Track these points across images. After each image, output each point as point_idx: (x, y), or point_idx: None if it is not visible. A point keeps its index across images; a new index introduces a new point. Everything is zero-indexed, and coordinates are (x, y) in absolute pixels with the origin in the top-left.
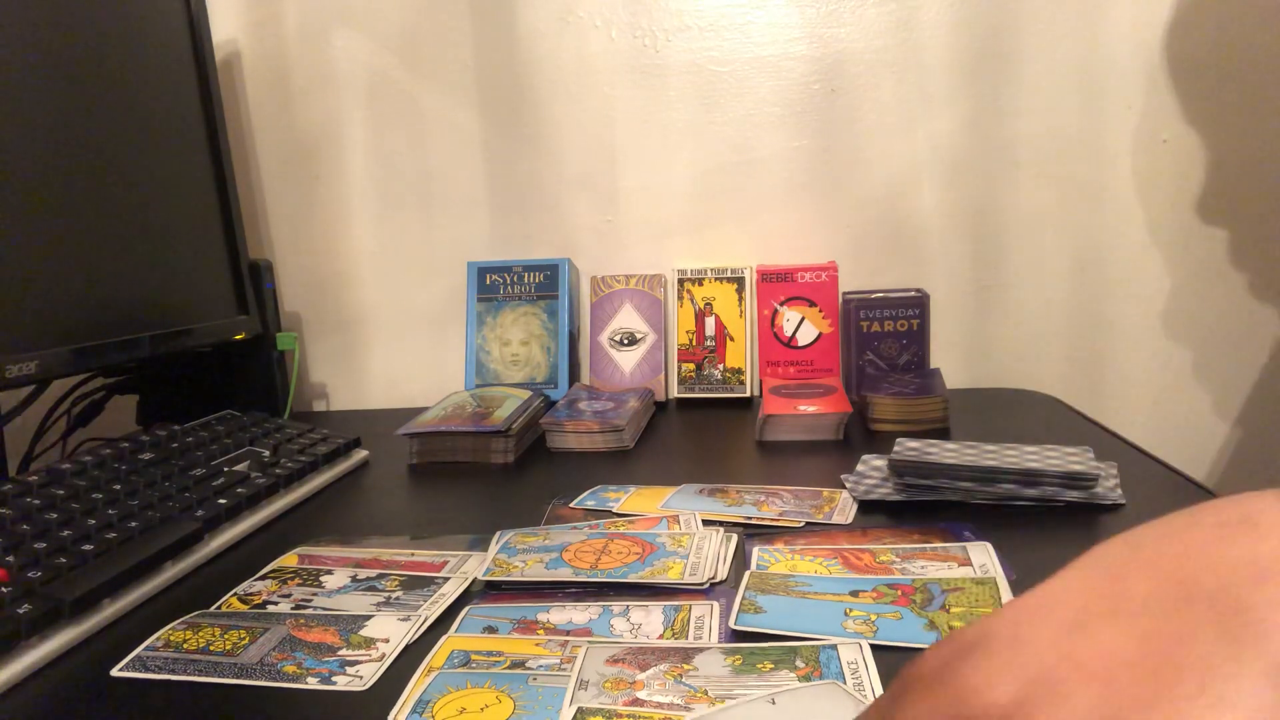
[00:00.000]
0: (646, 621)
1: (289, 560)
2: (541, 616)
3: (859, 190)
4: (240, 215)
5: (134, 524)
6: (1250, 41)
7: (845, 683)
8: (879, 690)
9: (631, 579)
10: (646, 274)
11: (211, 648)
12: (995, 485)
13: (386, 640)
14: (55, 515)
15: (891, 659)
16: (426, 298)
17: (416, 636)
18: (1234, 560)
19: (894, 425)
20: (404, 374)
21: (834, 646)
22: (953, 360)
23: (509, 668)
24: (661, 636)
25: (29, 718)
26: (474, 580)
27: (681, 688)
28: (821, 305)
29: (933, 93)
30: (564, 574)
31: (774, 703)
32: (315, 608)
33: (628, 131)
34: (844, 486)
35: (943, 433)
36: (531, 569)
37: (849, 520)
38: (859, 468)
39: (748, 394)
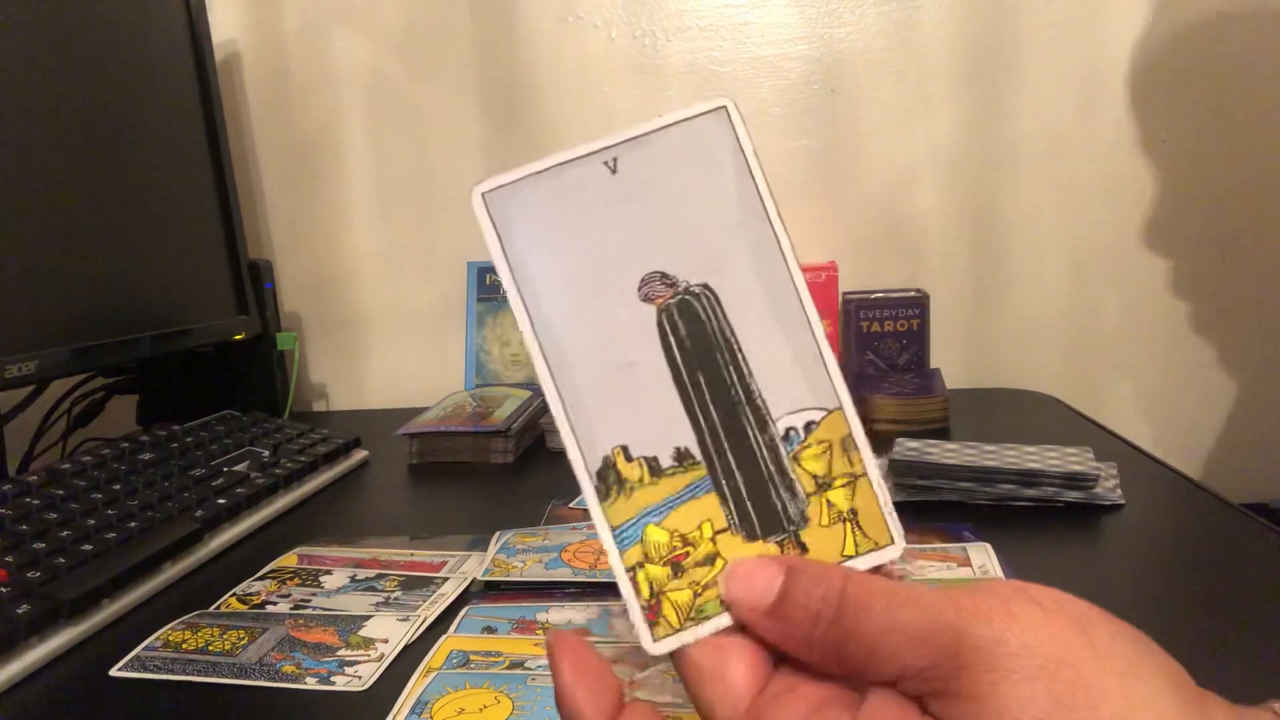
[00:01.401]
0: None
1: (288, 560)
2: (541, 616)
3: (859, 190)
4: (240, 215)
5: (133, 524)
6: (1250, 41)
7: None
8: None
9: None
10: None
11: (210, 648)
12: (995, 485)
13: (385, 640)
14: (54, 515)
15: None
16: (426, 298)
17: (415, 637)
18: None
19: (894, 425)
20: (404, 374)
21: None
22: (953, 360)
23: (508, 668)
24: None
25: (28, 718)
26: (473, 580)
27: (680, 687)
28: (821, 305)
29: (933, 93)
30: (563, 574)
31: (615, 170)
32: (314, 608)
33: None
34: None
35: (943, 433)
36: (531, 569)
37: None
38: None
39: None
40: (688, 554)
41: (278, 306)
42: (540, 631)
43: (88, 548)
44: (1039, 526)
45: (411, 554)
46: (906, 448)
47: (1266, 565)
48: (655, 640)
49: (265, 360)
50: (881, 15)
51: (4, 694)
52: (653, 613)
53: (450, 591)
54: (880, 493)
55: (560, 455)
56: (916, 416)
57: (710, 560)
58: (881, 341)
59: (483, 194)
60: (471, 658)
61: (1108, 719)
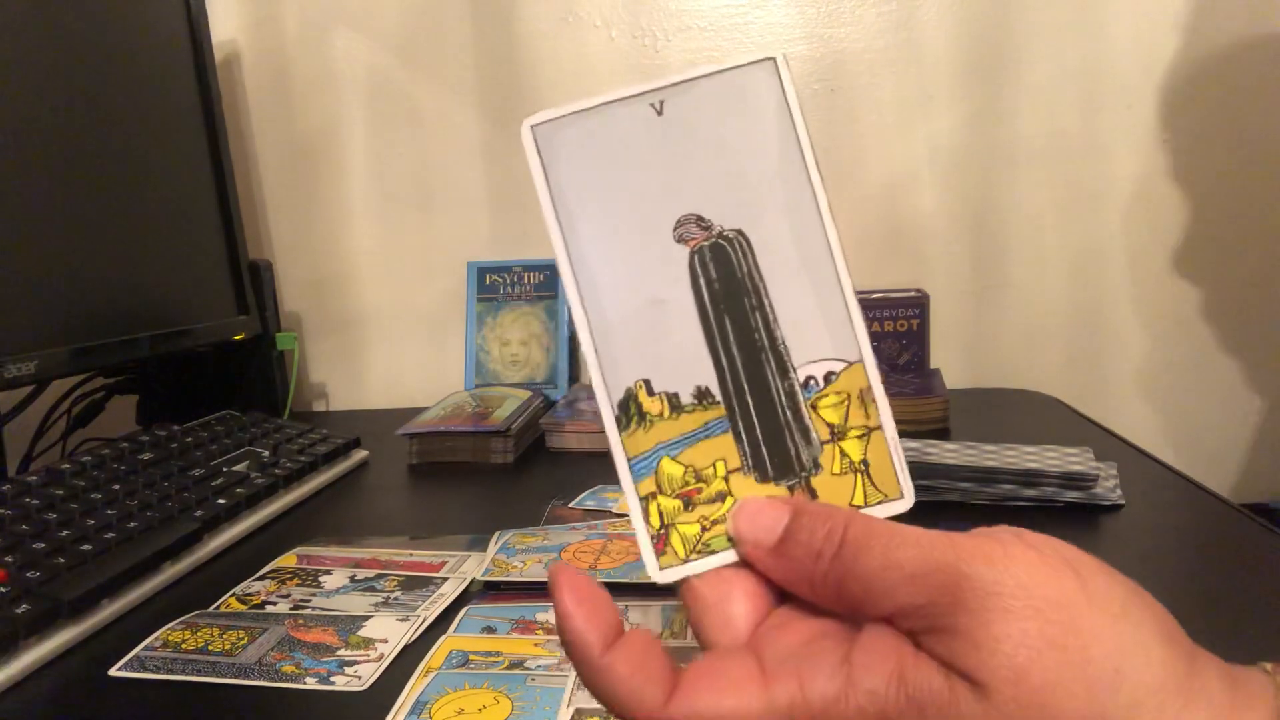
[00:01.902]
0: (645, 621)
1: (288, 560)
2: (540, 616)
3: (859, 190)
4: (240, 215)
5: (133, 524)
6: (1250, 40)
7: None
8: None
9: (631, 579)
10: None
11: (210, 648)
12: (994, 486)
13: (385, 640)
14: (54, 515)
15: None
16: (426, 298)
17: (415, 637)
18: None
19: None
20: (404, 374)
21: None
22: (953, 360)
23: (507, 668)
24: (660, 636)
25: (27, 718)
26: (473, 580)
27: None
28: None
29: (933, 93)
30: None
31: (661, 112)
32: (314, 608)
33: None
34: None
35: (943, 433)
36: (530, 569)
37: None
38: None
39: None
40: (700, 490)
41: (278, 306)
42: (540, 632)
43: (87, 548)
44: (1039, 527)
45: (411, 554)
46: (906, 448)
47: (1266, 565)
48: (661, 569)
49: (265, 360)
50: (881, 15)
51: (4, 694)
52: (660, 543)
53: (450, 591)
54: (893, 447)
55: (560, 455)
56: (916, 416)
57: (721, 498)
58: (881, 341)
59: (532, 126)
60: (471, 658)
61: (1098, 659)
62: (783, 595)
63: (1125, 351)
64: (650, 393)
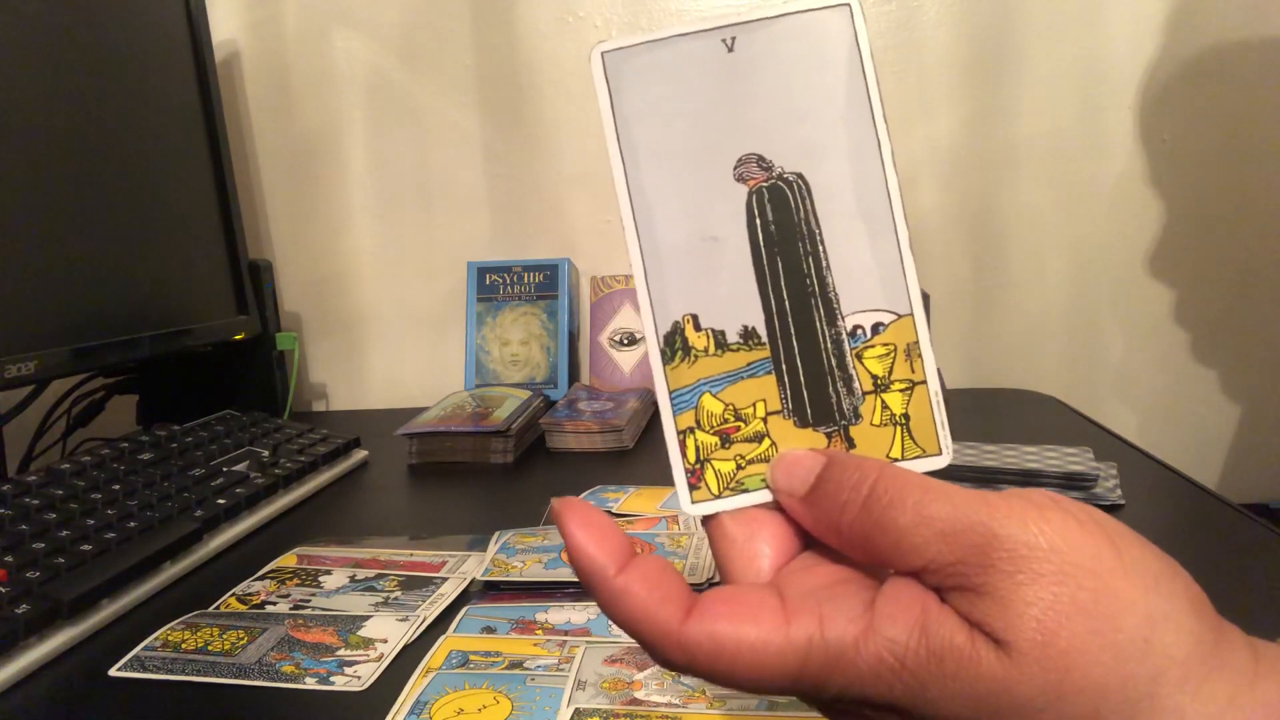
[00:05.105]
0: None
1: (288, 560)
2: (540, 616)
3: None
4: (240, 215)
5: (133, 524)
6: (1251, 40)
7: None
8: None
9: None
10: None
11: (210, 648)
12: (994, 486)
13: (385, 640)
14: (54, 515)
15: None
16: (426, 298)
17: (415, 637)
18: None
19: None
20: (404, 374)
21: None
22: (953, 360)
23: (507, 668)
24: None
25: (28, 718)
26: (472, 580)
27: (679, 687)
28: None
29: (933, 93)
30: (563, 574)
31: (732, 49)
32: (314, 608)
33: None
34: None
35: None
36: (530, 569)
37: None
38: None
39: None
40: (738, 428)
41: (278, 306)
42: (539, 632)
43: (87, 548)
44: None
45: (411, 554)
46: None
47: (1266, 565)
48: (693, 503)
49: (265, 360)
50: (881, 15)
51: (4, 694)
52: (695, 477)
53: (450, 591)
54: (936, 403)
55: (560, 455)
56: None
57: (758, 438)
58: None
59: (602, 53)
60: (471, 658)
61: (1129, 629)
62: (810, 540)
63: (1125, 351)
64: (697, 328)
